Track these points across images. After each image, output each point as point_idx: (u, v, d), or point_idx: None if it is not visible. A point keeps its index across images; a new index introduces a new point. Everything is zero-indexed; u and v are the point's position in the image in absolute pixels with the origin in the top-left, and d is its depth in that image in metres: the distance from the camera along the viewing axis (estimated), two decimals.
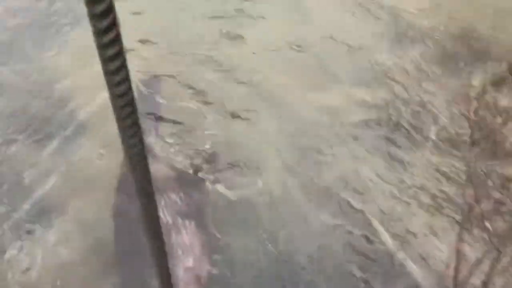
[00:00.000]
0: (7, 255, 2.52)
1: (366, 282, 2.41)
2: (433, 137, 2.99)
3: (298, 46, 3.56)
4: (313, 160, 2.91)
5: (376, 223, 2.63)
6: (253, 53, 3.52)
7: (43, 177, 2.82)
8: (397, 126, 3.06)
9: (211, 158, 2.83)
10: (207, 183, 2.72)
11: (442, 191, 2.74)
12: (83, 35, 3.51)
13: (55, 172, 2.85)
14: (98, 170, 2.83)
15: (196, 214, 2.56)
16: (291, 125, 3.07)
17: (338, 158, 2.93)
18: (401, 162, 2.90)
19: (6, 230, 2.62)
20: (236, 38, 3.61)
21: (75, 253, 2.56)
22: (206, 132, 2.97)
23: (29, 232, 2.62)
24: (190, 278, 2.34)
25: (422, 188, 2.80)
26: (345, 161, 2.92)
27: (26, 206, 2.71)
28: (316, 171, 2.85)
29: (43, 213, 2.69)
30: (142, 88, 3.15)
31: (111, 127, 2.96)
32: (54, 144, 2.97)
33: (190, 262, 2.37)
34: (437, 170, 2.84)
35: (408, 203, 2.74)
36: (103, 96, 3.13)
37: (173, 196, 2.58)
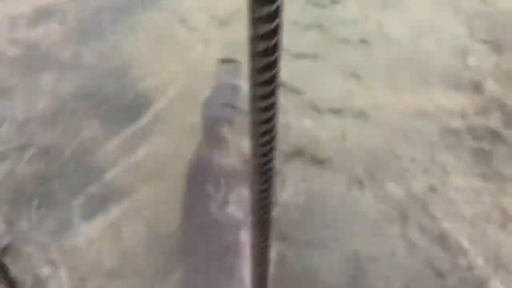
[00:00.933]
0: (71, 239, 2.46)
1: None
2: None
3: (388, 41, 3.29)
4: (399, 169, 2.65)
5: (466, 244, 2.34)
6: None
7: (112, 162, 2.75)
8: (496, 136, 2.74)
9: (289, 156, 2.64)
10: (282, 181, 2.53)
11: None
12: (161, 19, 3.44)
13: (125, 157, 2.77)
14: (170, 160, 2.72)
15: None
16: (377, 129, 2.81)
17: (427, 169, 2.65)
18: (498, 177, 2.58)
19: (70, 212, 2.56)
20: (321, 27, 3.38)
21: (136, 243, 2.45)
22: (286, 127, 2.77)
23: (91, 216, 2.54)
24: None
25: None
26: (434, 172, 2.64)
27: (92, 189, 2.65)
28: (402, 182, 2.59)
29: (109, 198, 2.61)
30: (221, 74, 3.01)
31: (186, 117, 2.86)
32: (126, 129, 2.89)
33: None
34: None
35: (504, 224, 2.44)
36: (179, 84, 3.03)
37: (245, 192, 2.41)
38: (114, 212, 2.56)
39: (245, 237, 2.26)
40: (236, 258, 2.20)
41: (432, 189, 2.55)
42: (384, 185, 2.59)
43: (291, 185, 2.58)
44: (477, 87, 3.01)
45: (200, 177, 2.46)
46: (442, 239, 2.38)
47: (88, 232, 2.49)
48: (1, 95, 2.99)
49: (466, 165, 2.65)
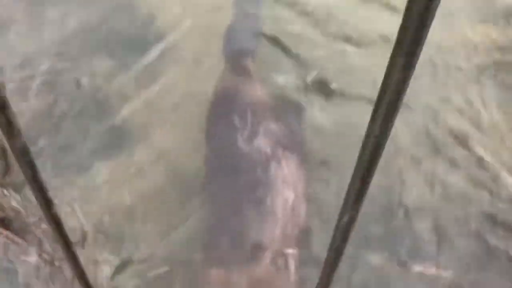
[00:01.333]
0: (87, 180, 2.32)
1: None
2: None
3: None
4: (430, 100, 2.53)
5: (504, 176, 2.26)
6: None
7: (125, 98, 2.59)
8: None
9: (314, 85, 2.50)
10: (309, 112, 2.41)
11: None
12: None
13: (138, 93, 2.62)
14: (186, 95, 2.57)
15: (297, 145, 2.27)
16: None
17: (454, 108, 2.53)
18: None
19: (84, 151, 2.42)
20: None
21: (156, 182, 2.32)
22: (311, 56, 2.62)
23: (108, 155, 2.40)
24: (289, 213, 2.07)
25: None
26: (463, 111, 2.53)
27: (106, 126, 2.50)
28: (434, 114, 2.48)
29: (124, 136, 2.48)
30: (240, 3, 2.83)
31: (202, 50, 2.67)
32: (137, 64, 2.72)
33: (290, 195, 2.10)
34: None
35: None
36: (194, 16, 2.86)
37: (272, 124, 2.29)
38: (131, 151, 2.43)
39: (275, 170, 2.15)
40: (266, 192, 2.10)
41: (466, 121, 2.45)
42: (416, 116, 2.48)
43: (322, 110, 2.47)
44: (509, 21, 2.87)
45: (225, 110, 2.33)
46: (478, 172, 2.30)
47: (104, 173, 2.36)
48: (5, 28, 2.80)
49: (500, 98, 2.54)
